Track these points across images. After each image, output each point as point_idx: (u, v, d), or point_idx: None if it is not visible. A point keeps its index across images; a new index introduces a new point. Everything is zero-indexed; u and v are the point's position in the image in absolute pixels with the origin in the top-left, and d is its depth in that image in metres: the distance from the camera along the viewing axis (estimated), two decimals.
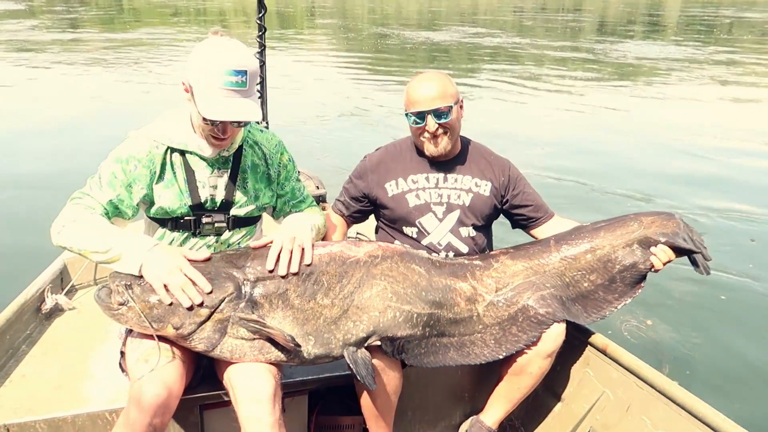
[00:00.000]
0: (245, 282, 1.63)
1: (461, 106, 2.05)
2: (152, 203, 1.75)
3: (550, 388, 2.10)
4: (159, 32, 18.15)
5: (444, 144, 2.01)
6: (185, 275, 1.56)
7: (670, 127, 8.01)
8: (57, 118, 7.79)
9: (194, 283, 1.56)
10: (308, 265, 1.69)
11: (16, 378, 1.89)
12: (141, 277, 1.60)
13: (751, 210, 5.21)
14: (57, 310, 2.28)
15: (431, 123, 1.97)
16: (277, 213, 1.96)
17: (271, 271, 1.64)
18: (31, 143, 6.63)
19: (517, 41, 17.18)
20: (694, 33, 20.96)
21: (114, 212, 1.71)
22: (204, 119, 1.60)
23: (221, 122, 1.61)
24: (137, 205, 1.74)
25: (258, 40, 3.09)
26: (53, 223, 1.64)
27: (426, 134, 2.00)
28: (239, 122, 1.64)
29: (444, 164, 2.10)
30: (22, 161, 6.05)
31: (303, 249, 1.69)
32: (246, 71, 1.56)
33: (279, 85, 8.65)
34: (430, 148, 2.03)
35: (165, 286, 1.54)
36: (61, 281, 2.42)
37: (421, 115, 1.97)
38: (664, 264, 1.86)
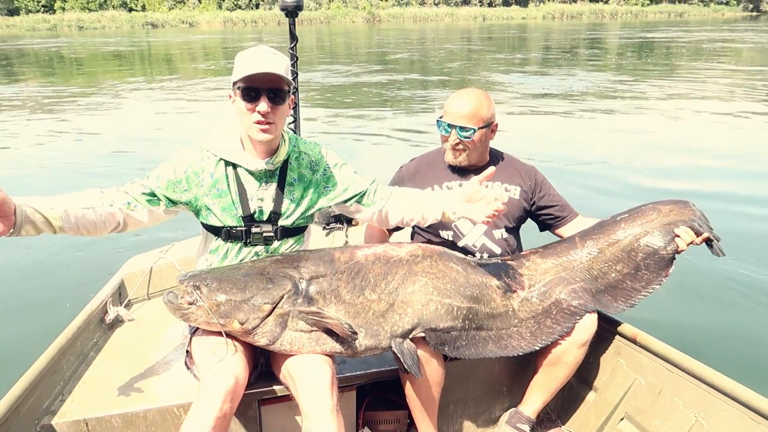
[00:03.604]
0: (301, 280, 1.79)
1: (493, 130, 2.21)
2: (199, 211, 1.89)
3: (584, 379, 2.20)
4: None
5: (461, 158, 2.19)
6: None
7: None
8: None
9: None
10: (355, 263, 1.85)
11: (88, 380, 2.05)
12: (206, 278, 1.77)
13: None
14: (118, 321, 2.46)
15: (453, 136, 2.15)
16: (366, 201, 2.00)
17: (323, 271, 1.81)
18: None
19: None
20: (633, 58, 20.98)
21: (157, 200, 1.84)
22: (245, 98, 1.75)
23: (260, 99, 1.73)
24: (175, 202, 1.86)
25: (291, 69, 3.31)
26: None
27: (448, 143, 2.19)
28: (273, 93, 1.75)
29: (475, 172, 2.25)
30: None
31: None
32: (276, 52, 1.78)
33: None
34: (449, 156, 2.22)
35: None
36: (120, 295, 2.60)
37: (448, 126, 2.15)
38: (688, 245, 1.98)
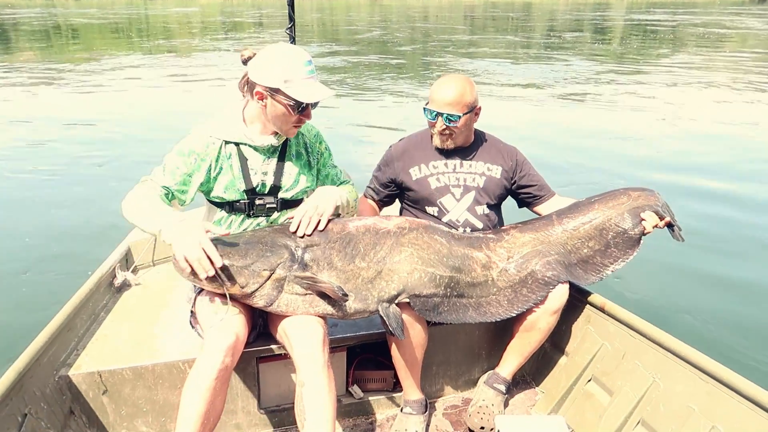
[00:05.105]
0: (296, 248, 1.96)
1: (477, 113, 2.34)
2: (209, 190, 2.05)
3: (557, 344, 2.39)
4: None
5: (449, 143, 2.34)
6: (203, 249, 1.72)
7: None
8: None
9: (209, 257, 1.73)
10: (346, 234, 2.01)
11: (100, 337, 2.23)
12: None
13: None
14: (125, 285, 2.63)
15: (440, 123, 2.29)
16: None
17: (317, 240, 1.97)
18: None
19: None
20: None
21: (172, 197, 2.00)
22: (294, 110, 1.92)
23: (307, 106, 1.94)
24: (194, 192, 2.03)
25: None
26: (123, 200, 1.91)
27: (435, 129, 2.33)
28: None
29: (460, 152, 2.41)
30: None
31: (321, 217, 1.99)
32: (311, 60, 1.95)
33: None
34: (436, 141, 2.36)
35: (185, 258, 1.72)
36: (126, 261, 2.77)
37: (435, 114, 2.29)
38: (653, 227, 2.16)
